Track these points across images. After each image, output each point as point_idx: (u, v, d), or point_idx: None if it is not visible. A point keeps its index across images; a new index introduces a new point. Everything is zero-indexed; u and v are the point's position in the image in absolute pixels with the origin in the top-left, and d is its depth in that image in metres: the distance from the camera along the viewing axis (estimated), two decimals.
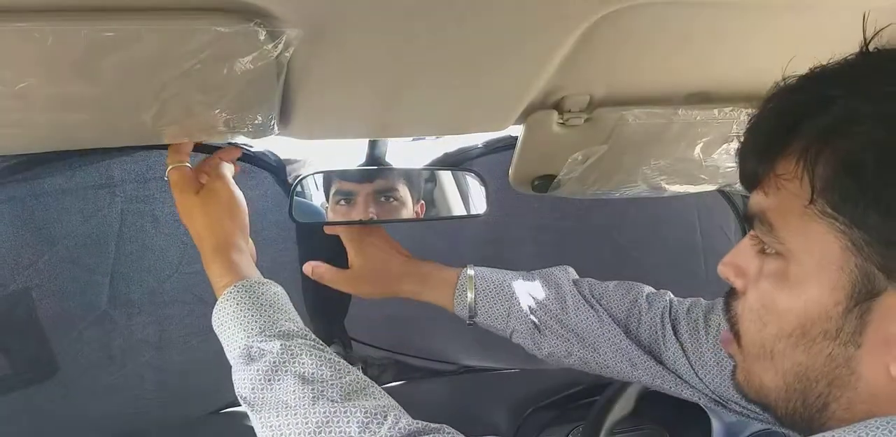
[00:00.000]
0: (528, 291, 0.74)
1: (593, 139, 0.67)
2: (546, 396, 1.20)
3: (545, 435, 1.18)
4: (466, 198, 0.85)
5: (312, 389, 0.53)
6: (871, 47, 0.42)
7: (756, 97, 0.67)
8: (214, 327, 0.61)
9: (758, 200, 0.44)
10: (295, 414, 0.52)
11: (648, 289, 0.74)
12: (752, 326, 0.45)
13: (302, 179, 0.74)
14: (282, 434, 0.52)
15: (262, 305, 0.60)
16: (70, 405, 0.87)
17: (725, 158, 0.74)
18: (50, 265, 0.77)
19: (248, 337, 0.58)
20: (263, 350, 0.57)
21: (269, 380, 0.55)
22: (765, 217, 0.43)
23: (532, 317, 0.72)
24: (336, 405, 0.52)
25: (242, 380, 0.56)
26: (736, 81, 0.64)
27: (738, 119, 0.66)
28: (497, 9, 0.45)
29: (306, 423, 0.51)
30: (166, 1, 0.40)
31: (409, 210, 0.82)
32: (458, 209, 0.86)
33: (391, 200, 0.81)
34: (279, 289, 0.63)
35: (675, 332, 0.69)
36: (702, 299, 0.72)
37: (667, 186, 0.79)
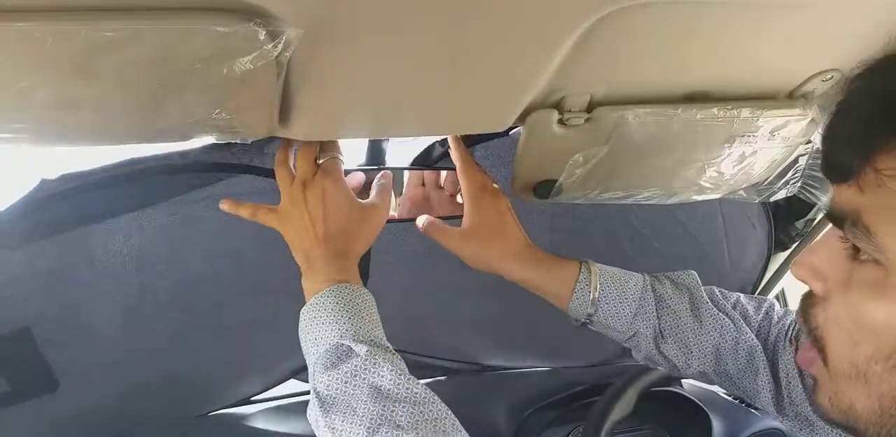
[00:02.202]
0: (657, 292, 0.70)
1: (594, 140, 0.67)
2: (546, 396, 1.20)
3: (545, 435, 1.18)
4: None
5: (383, 407, 0.53)
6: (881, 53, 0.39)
7: (756, 96, 0.67)
8: (306, 317, 0.62)
9: (850, 197, 0.38)
10: (360, 424, 0.52)
11: (775, 301, 0.73)
12: (842, 343, 0.40)
13: None
14: None
15: (360, 311, 0.61)
16: (73, 403, 0.87)
17: (727, 164, 0.73)
18: (86, 280, 0.78)
19: (342, 337, 0.58)
20: (352, 351, 0.57)
21: (346, 383, 0.55)
22: (860, 219, 0.37)
23: (660, 322, 0.69)
24: (400, 431, 0.51)
25: (322, 376, 0.56)
26: (736, 81, 0.64)
27: (739, 117, 0.66)
28: (497, 9, 0.45)
29: (367, 436, 0.51)
30: (166, 1, 0.40)
31: (399, 208, 0.81)
32: (457, 209, 0.86)
33: None
34: (372, 299, 0.64)
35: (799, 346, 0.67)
36: None
37: (670, 194, 0.79)
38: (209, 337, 0.91)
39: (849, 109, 0.39)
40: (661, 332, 0.69)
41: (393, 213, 0.77)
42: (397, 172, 0.80)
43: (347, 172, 0.79)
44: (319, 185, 0.66)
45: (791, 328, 0.69)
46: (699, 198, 0.80)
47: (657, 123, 0.65)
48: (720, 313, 0.69)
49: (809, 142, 0.74)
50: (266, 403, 1.08)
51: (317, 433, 0.56)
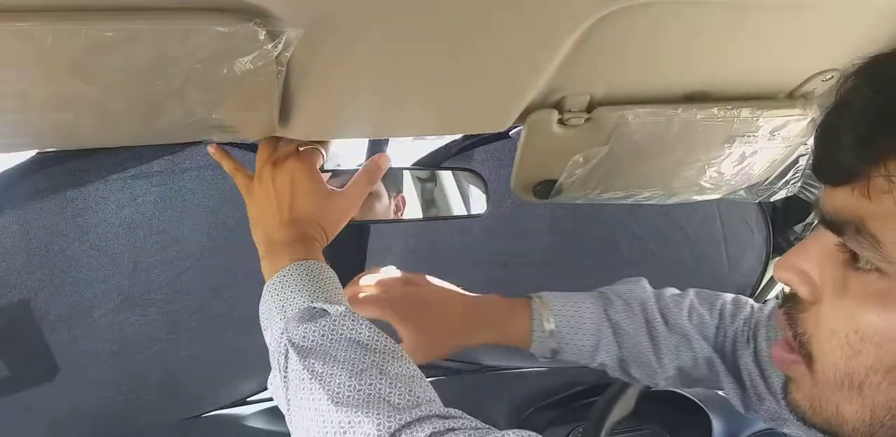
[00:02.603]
0: (612, 320, 0.70)
1: (594, 140, 0.67)
2: (546, 396, 1.20)
3: (545, 435, 1.18)
4: (466, 198, 0.85)
5: (365, 355, 0.52)
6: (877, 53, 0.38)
7: (756, 96, 0.67)
8: (270, 289, 0.60)
9: (852, 202, 0.36)
10: (342, 367, 0.51)
11: (727, 297, 0.72)
12: (837, 352, 0.38)
13: None
14: (321, 380, 0.50)
15: (330, 284, 0.60)
16: (71, 399, 0.87)
17: (727, 164, 0.73)
18: (79, 252, 0.79)
19: (313, 301, 0.57)
20: (326, 310, 0.56)
21: (324, 336, 0.54)
22: (865, 227, 0.35)
23: (621, 350, 0.69)
24: (384, 375, 0.50)
25: (297, 329, 0.55)
26: (736, 81, 0.64)
27: (739, 117, 0.66)
28: (497, 9, 0.45)
29: (350, 377, 0.50)
30: (166, 1, 0.40)
31: (383, 203, 0.80)
32: (458, 209, 0.86)
33: (370, 196, 0.78)
34: (337, 278, 0.63)
35: (755, 346, 0.66)
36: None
37: (670, 194, 0.79)
38: (206, 328, 0.91)
39: (848, 109, 0.37)
40: (623, 359, 0.70)
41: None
42: (397, 171, 0.80)
43: (338, 172, 0.79)
44: (290, 168, 0.66)
45: (748, 327, 0.69)
46: (699, 198, 0.80)
47: (657, 123, 0.65)
48: (674, 335, 0.70)
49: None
50: (264, 403, 1.08)
51: (288, 382, 0.54)
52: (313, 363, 0.51)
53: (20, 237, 0.74)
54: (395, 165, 0.80)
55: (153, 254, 0.82)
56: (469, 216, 0.83)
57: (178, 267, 0.84)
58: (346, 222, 0.70)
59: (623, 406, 1.01)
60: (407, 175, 0.82)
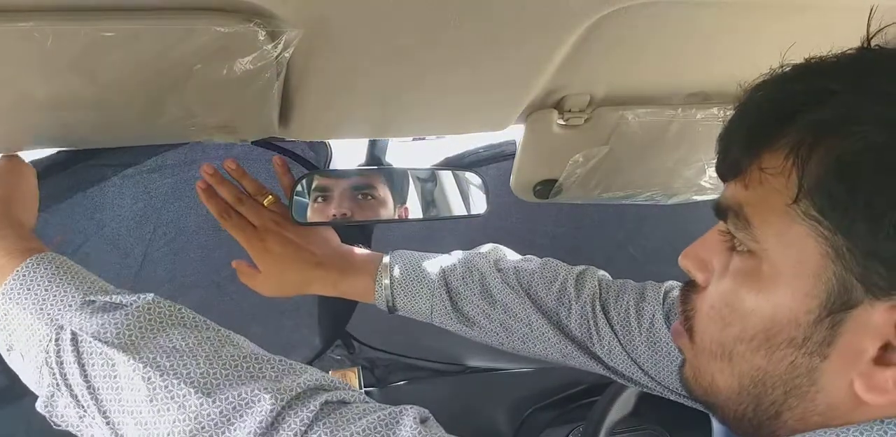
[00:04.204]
0: (450, 283, 0.71)
1: (594, 140, 0.67)
2: (546, 396, 1.20)
3: (545, 435, 1.18)
4: (467, 198, 0.85)
5: (206, 336, 0.48)
6: (872, 45, 0.40)
7: None
8: (13, 291, 0.50)
9: (735, 192, 0.42)
10: (192, 355, 0.46)
11: (577, 270, 0.72)
12: (713, 324, 0.43)
13: (301, 180, 0.74)
14: (177, 374, 0.44)
15: (86, 273, 0.53)
16: None
17: None
18: (94, 248, 0.81)
19: (87, 294, 0.50)
20: (121, 303, 0.49)
21: (143, 328, 0.47)
22: (742, 212, 0.41)
23: (457, 313, 0.71)
24: (245, 350, 0.47)
25: (91, 323, 0.47)
26: (736, 81, 0.64)
27: None
28: (497, 9, 0.45)
29: (211, 364, 0.45)
30: (166, 1, 0.40)
31: (388, 210, 0.79)
32: (458, 209, 0.85)
33: (368, 197, 0.77)
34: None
35: (608, 320, 0.67)
36: (630, 282, 0.71)
37: (670, 194, 0.79)
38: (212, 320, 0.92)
39: (745, 113, 0.43)
40: (464, 322, 0.71)
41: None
42: (402, 172, 0.80)
43: (347, 173, 0.79)
44: None
45: (598, 296, 0.69)
46: (699, 198, 0.81)
47: (657, 123, 0.65)
48: (513, 296, 0.70)
49: None
50: None
51: (100, 393, 0.46)
52: (154, 357, 0.45)
53: (40, 237, 0.75)
54: (400, 166, 0.80)
55: (161, 246, 0.83)
56: (469, 216, 0.83)
57: (185, 259, 0.85)
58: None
59: (623, 406, 1.01)
60: (410, 177, 0.82)
